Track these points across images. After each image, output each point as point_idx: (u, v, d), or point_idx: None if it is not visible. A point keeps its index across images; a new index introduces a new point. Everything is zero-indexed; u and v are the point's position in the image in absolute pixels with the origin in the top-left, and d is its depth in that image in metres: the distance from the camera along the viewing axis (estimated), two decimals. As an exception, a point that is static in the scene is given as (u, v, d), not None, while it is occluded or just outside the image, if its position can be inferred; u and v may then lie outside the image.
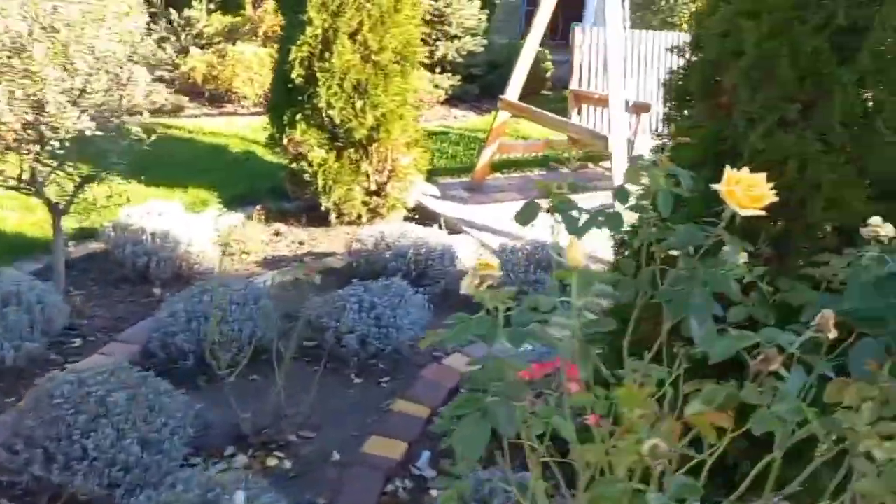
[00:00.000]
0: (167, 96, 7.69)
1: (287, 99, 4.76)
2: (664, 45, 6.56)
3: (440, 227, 5.22)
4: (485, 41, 8.99)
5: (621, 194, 1.60)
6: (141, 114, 3.66)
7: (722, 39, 1.95)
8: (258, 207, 5.13)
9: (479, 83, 9.26)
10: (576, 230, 1.59)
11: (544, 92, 9.60)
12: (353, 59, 4.58)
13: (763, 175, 1.35)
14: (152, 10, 9.15)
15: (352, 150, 4.81)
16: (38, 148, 3.12)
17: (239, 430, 2.93)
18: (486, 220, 5.37)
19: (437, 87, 8.78)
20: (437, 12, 8.53)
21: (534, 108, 5.52)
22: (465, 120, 8.51)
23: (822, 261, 1.69)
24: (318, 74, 4.55)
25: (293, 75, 4.60)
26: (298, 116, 4.70)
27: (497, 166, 6.52)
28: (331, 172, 4.78)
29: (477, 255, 4.63)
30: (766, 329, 1.21)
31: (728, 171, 1.35)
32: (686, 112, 2.19)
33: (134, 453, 2.41)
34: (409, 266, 4.07)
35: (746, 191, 1.32)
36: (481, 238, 5.05)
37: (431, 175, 6.24)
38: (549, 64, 9.86)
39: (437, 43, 8.77)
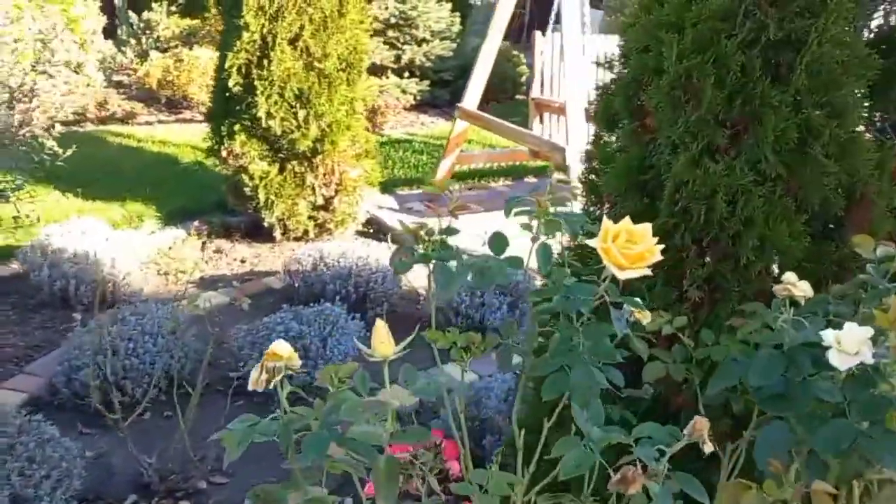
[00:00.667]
0: (120, 102, 7.43)
1: (225, 108, 4.50)
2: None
3: (389, 243, 4.98)
4: (454, 45, 8.75)
5: (497, 242, 1.37)
6: (53, 127, 3.39)
7: (642, 54, 1.71)
8: (197, 223, 4.86)
9: (450, 88, 9.00)
10: (447, 283, 1.36)
11: (519, 97, 9.37)
12: (294, 66, 4.33)
13: (647, 228, 1.11)
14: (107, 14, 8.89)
15: (295, 162, 4.56)
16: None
17: (143, 477, 2.68)
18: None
19: (403, 92, 8.54)
20: (402, 16, 8.28)
21: (490, 118, 5.29)
22: (432, 127, 8.27)
23: (750, 309, 1.47)
24: (257, 83, 4.30)
25: (230, 83, 4.34)
26: (237, 127, 4.45)
27: (461, 176, 6.28)
28: (273, 186, 4.52)
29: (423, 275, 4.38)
30: (640, 427, 0.98)
31: (605, 224, 1.12)
32: (612, 135, 1.96)
33: (4, 515, 2.16)
34: (348, 288, 3.82)
35: (625, 248, 1.08)
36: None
37: (390, 186, 6.00)
38: (524, 68, 9.63)
39: (405, 46, 8.53)
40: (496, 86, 8.98)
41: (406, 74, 8.68)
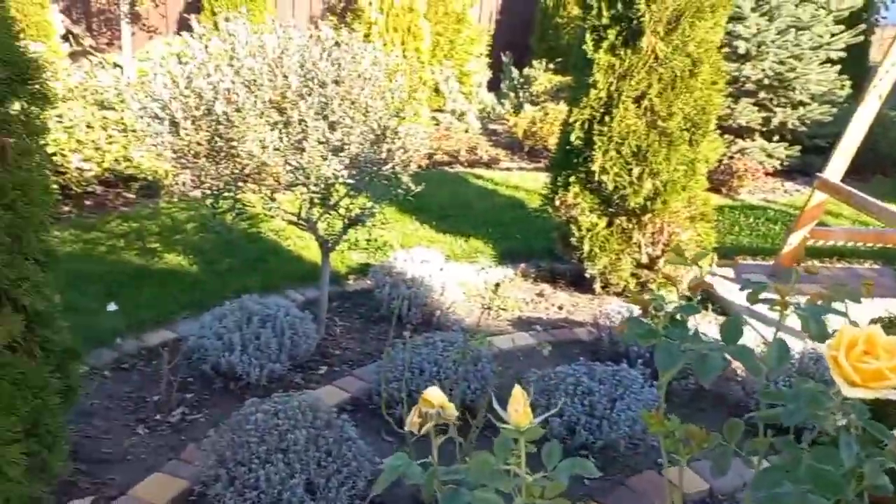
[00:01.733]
0: (487, 149, 8.15)
1: (565, 160, 4.68)
2: None
3: (718, 313, 4.70)
4: (835, 110, 7.96)
5: (730, 330, 1.25)
6: (409, 164, 3.87)
7: None
8: (524, 265, 5.11)
9: (824, 156, 8.17)
10: (667, 364, 1.28)
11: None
12: (636, 123, 4.35)
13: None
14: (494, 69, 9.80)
15: (624, 217, 4.56)
16: (307, 190, 3.46)
17: (420, 493, 2.89)
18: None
19: (769, 156, 8.01)
20: (778, 77, 7.78)
21: (854, 192, 4.70)
22: (795, 196, 7.61)
23: None
24: (596, 138, 4.41)
25: (572, 137, 4.51)
26: (573, 179, 4.60)
27: (818, 253, 5.68)
28: (598, 239, 4.58)
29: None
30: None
31: (843, 328, 0.96)
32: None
33: (297, 495, 2.50)
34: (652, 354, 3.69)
35: (860, 360, 0.92)
36: (767, 335, 4.41)
37: (730, 253, 5.67)
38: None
39: (777, 109, 8.00)
40: (879, 156, 7.96)
41: (775, 138, 8.12)
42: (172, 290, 4.38)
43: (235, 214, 3.30)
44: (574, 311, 4.72)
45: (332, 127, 3.25)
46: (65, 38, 9.31)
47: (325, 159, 3.28)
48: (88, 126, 5.45)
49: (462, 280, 4.74)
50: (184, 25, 10.18)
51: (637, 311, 3.80)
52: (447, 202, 6.34)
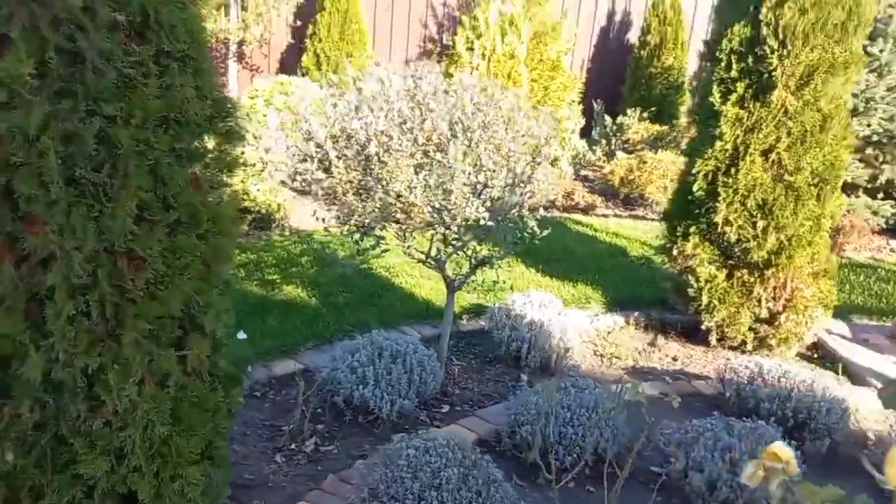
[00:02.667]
0: (584, 194, 8.16)
1: (685, 210, 4.65)
2: None
3: (839, 373, 4.56)
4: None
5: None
6: (537, 209, 3.92)
7: None
8: (636, 314, 5.07)
9: (932, 215, 7.96)
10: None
11: None
12: (762, 177, 4.31)
13: None
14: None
15: (745, 271, 4.49)
16: (443, 230, 3.53)
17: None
18: (905, 376, 4.53)
19: (874, 213, 7.80)
20: (887, 133, 7.61)
21: None
22: (903, 254, 7.37)
23: None
24: (720, 189, 4.38)
25: (694, 188, 4.49)
26: (693, 229, 4.56)
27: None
28: (717, 291, 4.52)
29: (873, 417, 3.93)
30: None
31: None
32: None
33: (451, 533, 2.52)
34: (786, 412, 3.60)
35: None
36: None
37: (844, 312, 5.51)
38: None
39: (884, 166, 7.80)
40: None
41: (880, 196, 7.91)
42: (294, 320, 4.49)
43: (381, 251, 3.39)
44: (689, 363, 4.65)
45: (476, 170, 3.33)
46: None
47: (468, 201, 3.36)
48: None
49: (576, 326, 4.73)
50: (285, 65, 10.59)
51: (771, 368, 3.70)
52: (550, 246, 6.35)
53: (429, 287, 5.23)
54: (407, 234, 3.64)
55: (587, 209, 7.89)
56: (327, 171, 3.28)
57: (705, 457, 3.10)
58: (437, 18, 10.93)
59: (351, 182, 3.22)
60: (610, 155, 9.45)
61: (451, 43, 10.01)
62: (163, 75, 1.88)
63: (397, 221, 3.39)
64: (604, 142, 9.83)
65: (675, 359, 4.70)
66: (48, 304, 1.90)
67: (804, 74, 4.20)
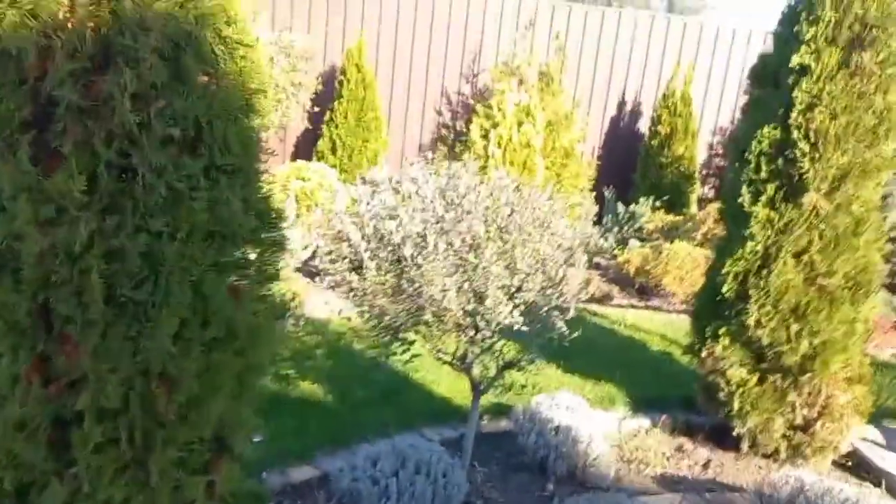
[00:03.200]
0: (599, 285, 8.06)
1: (713, 310, 4.54)
2: None
3: (880, 486, 4.36)
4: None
5: None
6: (568, 310, 3.80)
7: None
8: (664, 417, 4.89)
9: (954, 311, 7.85)
10: None
11: None
12: (795, 279, 4.22)
13: None
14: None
15: (778, 376, 4.35)
16: (472, 333, 3.41)
17: None
18: (947, 490, 4.33)
19: (894, 310, 7.68)
20: (904, 229, 7.57)
21: None
22: (929, 353, 7.22)
23: None
24: (752, 291, 4.28)
25: (724, 289, 4.40)
26: (723, 331, 4.44)
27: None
28: (750, 396, 4.36)
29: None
30: None
31: None
32: None
33: None
34: (832, 532, 3.40)
35: None
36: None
37: (877, 416, 5.32)
38: None
39: (901, 261, 7.73)
40: None
41: (899, 291, 7.82)
42: (310, 420, 4.32)
43: (410, 355, 3.26)
44: (721, 471, 4.45)
45: (511, 273, 3.24)
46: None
47: (502, 305, 3.25)
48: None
49: (603, 431, 4.55)
50: (300, 150, 10.68)
51: (812, 484, 3.52)
52: (580, 344, 6.21)
53: (448, 383, 5.06)
54: (434, 336, 3.52)
55: (603, 299, 7.78)
56: (357, 270, 3.19)
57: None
58: (451, 106, 11.08)
59: (383, 284, 3.12)
60: (622, 242, 9.39)
61: (465, 130, 10.12)
62: (212, 188, 1.81)
63: (427, 324, 3.28)
64: (616, 230, 9.79)
65: (705, 466, 4.50)
66: (74, 429, 1.77)
67: (836, 178, 4.16)
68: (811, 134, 4.15)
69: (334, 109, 10.05)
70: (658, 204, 9.73)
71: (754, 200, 4.35)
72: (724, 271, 4.43)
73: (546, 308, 3.61)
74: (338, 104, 10.02)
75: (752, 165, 4.35)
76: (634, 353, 6.20)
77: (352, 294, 3.27)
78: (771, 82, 4.44)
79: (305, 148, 10.58)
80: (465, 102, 10.99)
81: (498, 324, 3.20)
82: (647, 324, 7.03)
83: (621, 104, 11.44)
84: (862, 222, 4.24)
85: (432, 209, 3.15)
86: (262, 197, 2.22)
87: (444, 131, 10.99)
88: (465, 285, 3.15)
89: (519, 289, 3.26)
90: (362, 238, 3.13)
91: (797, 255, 4.27)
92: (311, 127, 10.54)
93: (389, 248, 3.15)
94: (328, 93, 10.28)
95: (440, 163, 10.41)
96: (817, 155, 4.15)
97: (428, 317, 3.15)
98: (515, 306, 3.27)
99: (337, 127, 10.04)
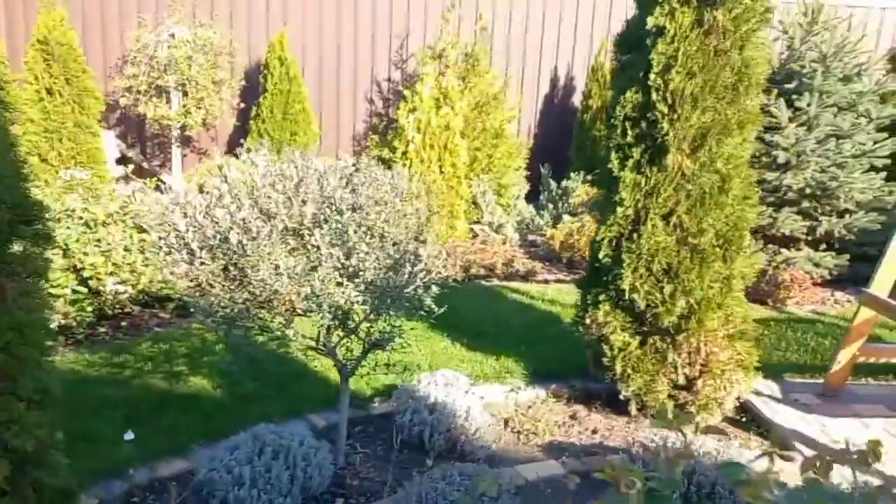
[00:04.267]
0: (524, 261, 8.08)
1: (594, 278, 4.57)
2: None
3: (769, 438, 4.41)
4: (883, 217, 7.72)
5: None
6: (430, 287, 3.79)
7: None
8: (557, 385, 4.92)
9: (874, 265, 7.90)
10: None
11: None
12: (665, 241, 4.24)
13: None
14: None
15: (657, 337, 4.38)
16: (321, 316, 3.40)
17: None
18: (834, 439, 4.38)
19: (816, 266, 7.75)
20: (820, 186, 7.62)
21: (902, 307, 4.45)
22: (845, 307, 7.28)
23: None
24: (624, 255, 4.30)
25: (600, 255, 4.41)
26: (602, 297, 4.47)
27: (876, 370, 5.36)
28: (631, 359, 4.39)
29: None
30: None
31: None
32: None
33: None
34: (689, 487, 3.43)
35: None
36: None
37: (778, 371, 5.38)
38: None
39: (822, 218, 7.79)
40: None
41: (822, 247, 7.88)
42: (193, 416, 4.31)
43: (269, 339, 3.25)
44: (609, 435, 4.48)
45: (348, 254, 3.23)
46: (119, 161, 9.75)
47: (341, 286, 3.25)
48: (126, 249, 5.58)
49: (490, 402, 4.57)
50: (232, 147, 10.61)
51: (672, 437, 3.55)
52: (481, 318, 6.24)
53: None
54: (289, 322, 3.51)
55: (528, 276, 7.80)
56: (192, 261, 3.17)
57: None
58: (382, 94, 11.04)
59: (213, 273, 3.11)
60: (557, 219, 9.41)
61: (395, 117, 10.09)
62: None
63: (269, 311, 3.27)
64: (551, 206, 9.80)
65: (595, 432, 4.53)
66: None
67: (697, 137, 4.18)
68: (668, 95, 4.16)
69: (260, 104, 9.99)
70: (590, 178, 9.74)
71: (622, 165, 4.36)
72: (598, 238, 4.45)
73: (406, 286, 3.61)
74: (262, 99, 9.95)
75: (619, 130, 4.36)
76: (548, 327, 6.21)
77: (192, 285, 3.25)
78: (635, 46, 4.44)
79: (237, 144, 10.51)
80: (396, 89, 10.95)
81: (331, 305, 3.19)
82: (567, 297, 7.05)
83: (554, 81, 11.44)
84: (728, 179, 4.25)
85: (260, 195, 3.13)
86: (22, 189, 2.21)
87: (375, 120, 10.95)
88: (299, 268, 3.13)
89: (357, 269, 3.24)
90: (190, 227, 3.11)
91: (666, 217, 4.29)
92: (238, 123, 10.47)
93: (220, 236, 3.13)
94: (255, 88, 10.22)
95: (371, 151, 10.38)
96: (676, 115, 4.16)
97: (263, 302, 3.13)
98: (356, 286, 3.26)
99: (263, 122, 9.98)
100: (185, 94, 9.72)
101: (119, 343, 5.41)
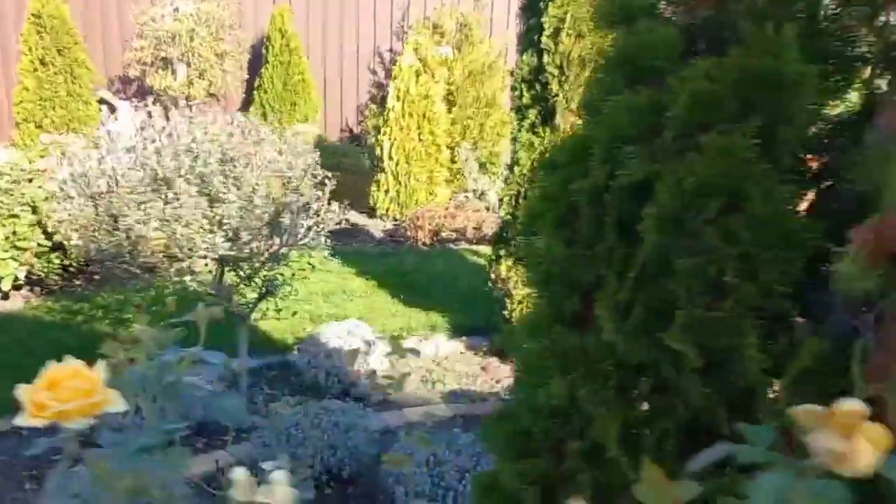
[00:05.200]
0: (491, 225, 8.25)
1: (499, 234, 4.76)
2: None
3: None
4: None
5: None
6: (321, 233, 4.07)
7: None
8: (475, 338, 5.16)
9: None
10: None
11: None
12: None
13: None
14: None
15: (553, 292, 4.55)
16: (196, 262, 3.72)
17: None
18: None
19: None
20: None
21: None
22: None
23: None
24: (519, 213, 4.47)
25: (501, 213, 4.61)
26: (503, 252, 4.66)
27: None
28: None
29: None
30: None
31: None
32: None
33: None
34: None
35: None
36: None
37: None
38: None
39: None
40: None
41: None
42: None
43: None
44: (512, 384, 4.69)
45: (212, 202, 3.53)
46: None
47: (212, 233, 3.56)
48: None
49: (383, 351, 4.83)
50: (239, 117, 11.02)
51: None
52: (431, 279, 6.48)
53: (271, 325, 5.41)
54: (189, 268, 3.85)
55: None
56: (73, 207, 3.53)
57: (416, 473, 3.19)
58: (385, 65, 11.28)
59: (87, 219, 3.46)
60: (546, 187, 9.53)
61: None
62: None
63: (144, 257, 3.60)
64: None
65: (498, 381, 4.75)
66: None
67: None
68: (557, 57, 4.29)
69: (262, 76, 10.36)
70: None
71: (520, 127, 4.52)
72: (500, 196, 4.64)
73: (298, 235, 3.91)
74: (264, 70, 10.32)
75: (518, 92, 4.53)
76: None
77: (78, 232, 3.61)
78: (536, 11, 4.58)
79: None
80: (396, 59, 11.17)
81: (196, 249, 3.50)
82: (527, 260, 7.22)
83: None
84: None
85: (128, 145, 3.46)
86: None
87: (374, 90, 11.21)
88: (167, 213, 3.45)
89: (221, 216, 3.54)
90: (69, 180, 3.46)
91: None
92: (245, 95, 10.88)
93: (96, 186, 3.47)
94: (261, 60, 10.59)
95: (369, 121, 10.54)
96: (564, 77, 4.30)
97: (129, 248, 3.47)
98: (224, 234, 3.56)
99: (266, 93, 10.36)
100: (189, 65, 10.16)
101: (86, 294, 5.87)
